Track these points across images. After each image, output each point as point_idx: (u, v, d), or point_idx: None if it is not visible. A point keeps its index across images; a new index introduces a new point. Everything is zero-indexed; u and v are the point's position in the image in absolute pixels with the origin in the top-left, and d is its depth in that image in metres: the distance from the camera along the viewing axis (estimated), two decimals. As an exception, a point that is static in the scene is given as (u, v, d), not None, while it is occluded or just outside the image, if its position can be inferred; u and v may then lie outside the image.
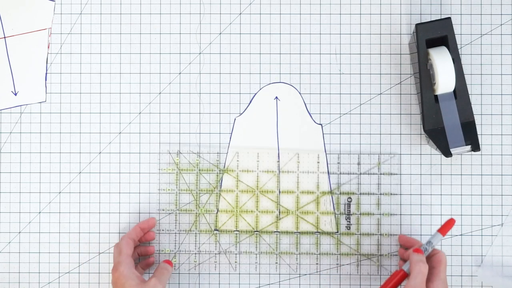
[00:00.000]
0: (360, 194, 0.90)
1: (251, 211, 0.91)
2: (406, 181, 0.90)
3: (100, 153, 0.91)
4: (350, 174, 0.90)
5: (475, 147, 0.85)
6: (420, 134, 0.91)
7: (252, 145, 0.91)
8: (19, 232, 0.91)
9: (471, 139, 0.85)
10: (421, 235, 0.90)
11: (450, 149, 0.85)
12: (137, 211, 0.91)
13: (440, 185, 0.90)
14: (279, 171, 0.91)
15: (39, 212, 0.91)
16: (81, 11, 0.92)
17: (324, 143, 0.91)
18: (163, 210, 0.91)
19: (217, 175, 0.91)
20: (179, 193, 0.91)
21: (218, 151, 0.91)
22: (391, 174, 0.90)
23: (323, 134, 0.91)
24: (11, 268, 0.91)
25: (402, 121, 0.91)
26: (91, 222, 0.91)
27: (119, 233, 0.91)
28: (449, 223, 0.83)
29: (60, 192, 0.91)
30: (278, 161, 0.90)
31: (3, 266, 0.91)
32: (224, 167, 0.91)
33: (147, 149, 0.91)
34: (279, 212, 0.91)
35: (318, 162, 0.90)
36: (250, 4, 0.92)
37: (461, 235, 0.90)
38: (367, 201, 0.90)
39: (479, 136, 0.88)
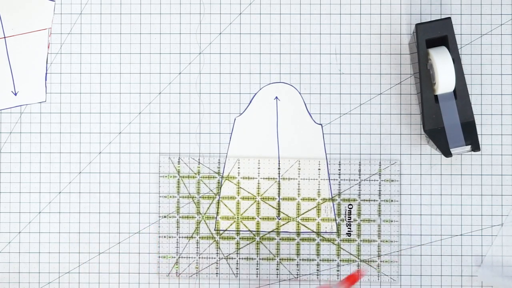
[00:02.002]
0: (361, 200, 0.90)
1: (252, 218, 0.90)
2: (406, 181, 0.90)
3: (100, 153, 0.91)
4: (351, 180, 0.90)
5: (475, 147, 0.85)
6: (420, 134, 0.91)
7: (252, 146, 0.91)
8: (19, 232, 0.91)
9: (471, 139, 0.85)
10: (421, 235, 0.90)
11: (450, 149, 0.85)
12: (137, 211, 0.91)
13: (440, 185, 0.90)
14: (279, 177, 0.91)
15: (39, 212, 0.91)
16: (81, 11, 0.92)
17: (324, 143, 0.91)
18: (164, 216, 0.91)
19: (218, 182, 0.91)
20: (180, 198, 0.91)
21: (219, 159, 0.91)
22: (391, 180, 0.90)
23: (323, 134, 0.91)
24: (11, 268, 0.91)
25: (402, 121, 0.91)
26: (91, 222, 0.91)
27: (119, 233, 0.91)
28: (352, 278, 0.78)
29: (60, 192, 0.91)
30: (279, 168, 0.90)
31: (3, 266, 0.91)
32: (224, 173, 0.90)
33: (147, 149, 0.91)
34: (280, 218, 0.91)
35: (319, 169, 0.90)
36: (250, 4, 0.92)
37: (461, 235, 0.90)
38: (368, 207, 0.90)
39: (479, 136, 0.88)
